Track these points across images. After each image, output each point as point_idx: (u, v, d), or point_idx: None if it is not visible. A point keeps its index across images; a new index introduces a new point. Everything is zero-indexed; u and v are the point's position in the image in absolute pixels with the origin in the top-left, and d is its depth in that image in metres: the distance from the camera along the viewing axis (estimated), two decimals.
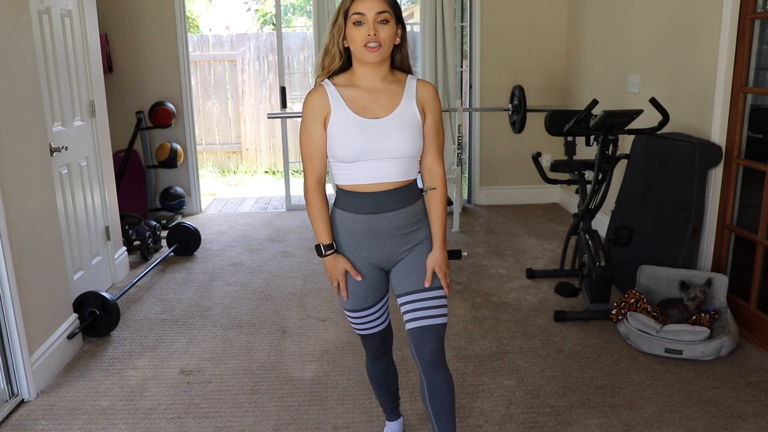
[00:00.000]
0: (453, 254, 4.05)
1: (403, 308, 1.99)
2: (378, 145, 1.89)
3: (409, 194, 1.96)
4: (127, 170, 5.38)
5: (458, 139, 5.18)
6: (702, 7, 3.48)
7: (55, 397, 2.82)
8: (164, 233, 4.92)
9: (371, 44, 1.82)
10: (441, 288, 1.98)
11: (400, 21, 1.88)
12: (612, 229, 3.93)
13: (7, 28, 2.75)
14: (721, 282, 3.23)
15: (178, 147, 5.53)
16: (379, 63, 1.88)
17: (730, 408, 2.61)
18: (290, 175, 5.99)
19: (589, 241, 3.52)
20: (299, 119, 8.04)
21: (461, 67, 5.93)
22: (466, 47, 5.85)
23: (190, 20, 9.70)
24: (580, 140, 3.94)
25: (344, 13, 1.85)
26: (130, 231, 4.61)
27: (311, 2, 5.48)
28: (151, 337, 3.38)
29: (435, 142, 1.97)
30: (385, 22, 1.83)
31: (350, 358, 3.11)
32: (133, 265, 4.48)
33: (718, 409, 2.61)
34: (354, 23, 1.83)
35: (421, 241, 1.99)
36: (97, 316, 3.33)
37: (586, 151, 4.30)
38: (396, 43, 1.89)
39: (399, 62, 1.95)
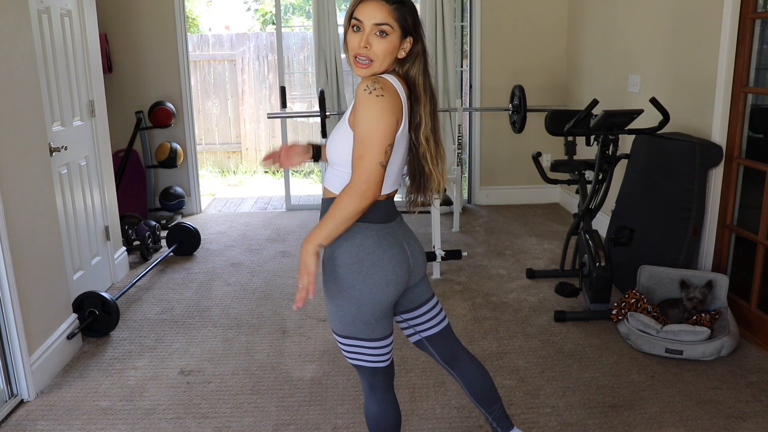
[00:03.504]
0: (453, 254, 4.05)
1: None
2: None
3: (325, 209, 1.77)
4: (126, 170, 5.37)
5: (458, 139, 5.17)
6: (702, 6, 3.48)
7: (54, 397, 2.81)
8: (164, 233, 4.92)
9: (360, 59, 1.67)
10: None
11: (409, 34, 1.69)
12: (612, 229, 3.92)
13: (7, 28, 2.75)
14: (722, 282, 3.23)
15: (178, 147, 5.52)
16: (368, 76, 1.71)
17: (731, 408, 2.61)
18: (290, 175, 5.99)
19: (590, 241, 3.52)
20: (299, 119, 7.96)
21: (461, 67, 5.92)
22: (466, 47, 5.85)
23: (190, 20, 9.69)
24: (581, 140, 3.94)
25: (348, 15, 1.70)
26: (130, 231, 4.61)
27: (311, 2, 5.47)
28: (150, 337, 3.37)
29: (354, 152, 1.63)
30: (383, 34, 1.65)
31: None
32: (132, 265, 4.48)
33: (718, 409, 2.61)
34: (352, 27, 1.68)
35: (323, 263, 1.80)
36: (96, 317, 3.33)
37: (587, 151, 4.30)
38: (400, 57, 1.70)
39: (403, 76, 1.73)
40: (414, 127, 1.75)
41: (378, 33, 1.65)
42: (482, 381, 2.06)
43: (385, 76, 1.69)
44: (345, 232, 1.71)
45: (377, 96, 1.61)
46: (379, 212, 1.76)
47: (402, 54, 1.71)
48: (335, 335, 1.84)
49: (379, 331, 1.81)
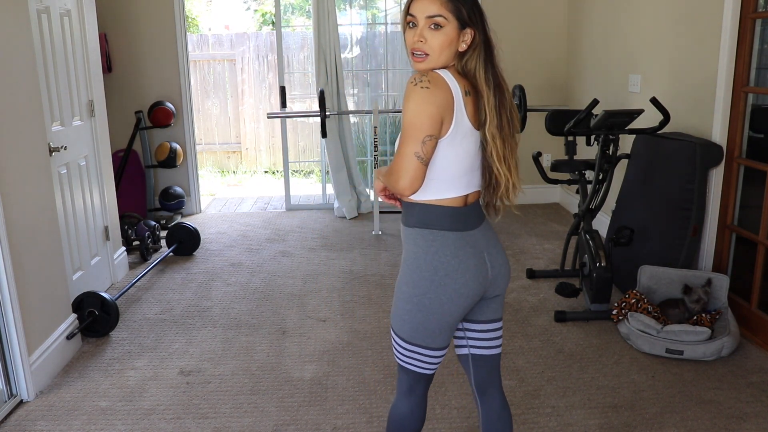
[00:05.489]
0: None
1: None
2: None
3: (405, 212, 1.77)
4: (126, 170, 5.37)
5: None
6: (703, 6, 3.47)
7: (54, 397, 2.81)
8: (163, 233, 4.91)
9: (416, 53, 1.63)
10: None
11: (467, 25, 1.62)
12: (612, 229, 3.92)
13: (6, 28, 2.74)
14: (722, 282, 3.22)
15: (178, 147, 5.52)
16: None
17: (731, 408, 2.61)
18: (290, 175, 5.98)
19: (590, 241, 3.51)
20: (299, 119, 7.95)
21: None
22: None
23: (190, 20, 9.69)
24: (581, 140, 3.94)
25: (404, 14, 1.65)
26: (130, 231, 4.60)
27: (311, 2, 5.46)
28: (150, 337, 3.37)
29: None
30: (437, 27, 1.60)
31: (350, 358, 3.10)
32: (132, 265, 4.47)
33: (719, 409, 2.60)
34: (408, 24, 1.65)
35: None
36: (96, 317, 3.32)
37: (587, 150, 4.30)
38: (461, 50, 1.64)
39: (461, 70, 1.66)
40: (480, 123, 1.67)
41: (432, 26, 1.61)
42: (502, 425, 1.92)
43: (439, 71, 1.64)
44: (422, 239, 1.70)
45: (421, 87, 1.58)
46: (457, 220, 1.70)
47: (463, 47, 1.65)
48: (394, 334, 1.80)
49: (440, 341, 1.76)
